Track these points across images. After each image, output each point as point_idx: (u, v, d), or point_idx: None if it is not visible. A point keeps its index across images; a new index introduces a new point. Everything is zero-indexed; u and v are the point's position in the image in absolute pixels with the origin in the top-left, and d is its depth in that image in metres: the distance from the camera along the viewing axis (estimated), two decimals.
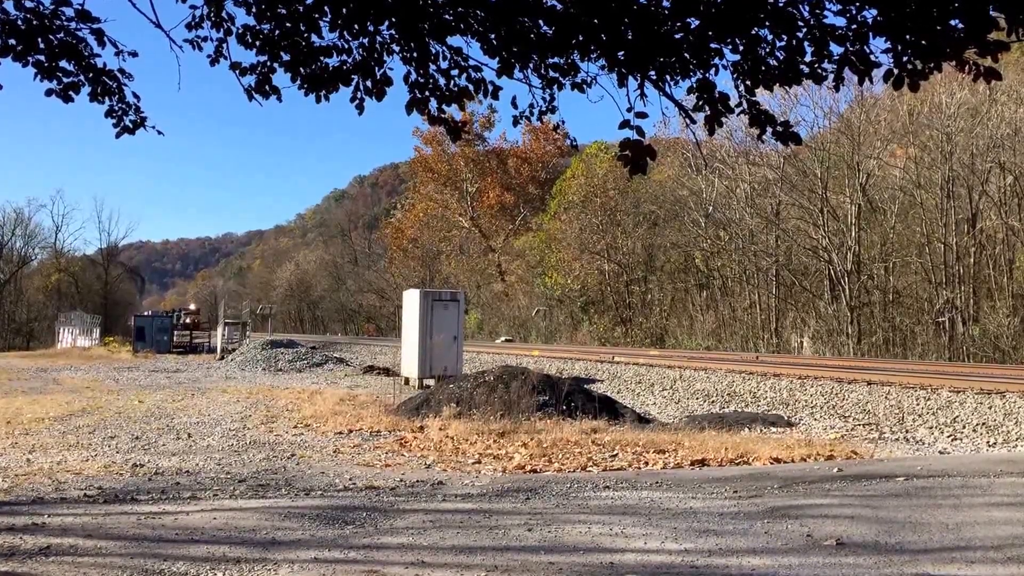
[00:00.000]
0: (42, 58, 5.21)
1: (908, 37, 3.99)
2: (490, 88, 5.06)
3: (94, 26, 5.23)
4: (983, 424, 12.71)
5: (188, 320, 57.04)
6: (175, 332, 50.66)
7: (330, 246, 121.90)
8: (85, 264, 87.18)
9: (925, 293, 35.58)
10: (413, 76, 5.06)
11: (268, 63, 5.21)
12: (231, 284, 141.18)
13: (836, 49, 4.21)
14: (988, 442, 11.71)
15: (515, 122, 5.27)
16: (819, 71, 4.28)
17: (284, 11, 5.04)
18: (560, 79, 4.92)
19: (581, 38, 4.51)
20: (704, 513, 6.60)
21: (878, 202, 39.01)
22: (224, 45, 5.37)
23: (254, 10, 5.06)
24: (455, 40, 5.01)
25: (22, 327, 76.78)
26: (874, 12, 4.06)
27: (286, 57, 5.15)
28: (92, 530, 6.11)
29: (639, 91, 4.50)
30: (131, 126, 5.63)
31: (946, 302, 33.72)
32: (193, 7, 5.29)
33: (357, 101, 5.20)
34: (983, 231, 34.67)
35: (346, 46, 5.06)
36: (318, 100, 5.19)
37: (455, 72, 5.05)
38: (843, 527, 6.00)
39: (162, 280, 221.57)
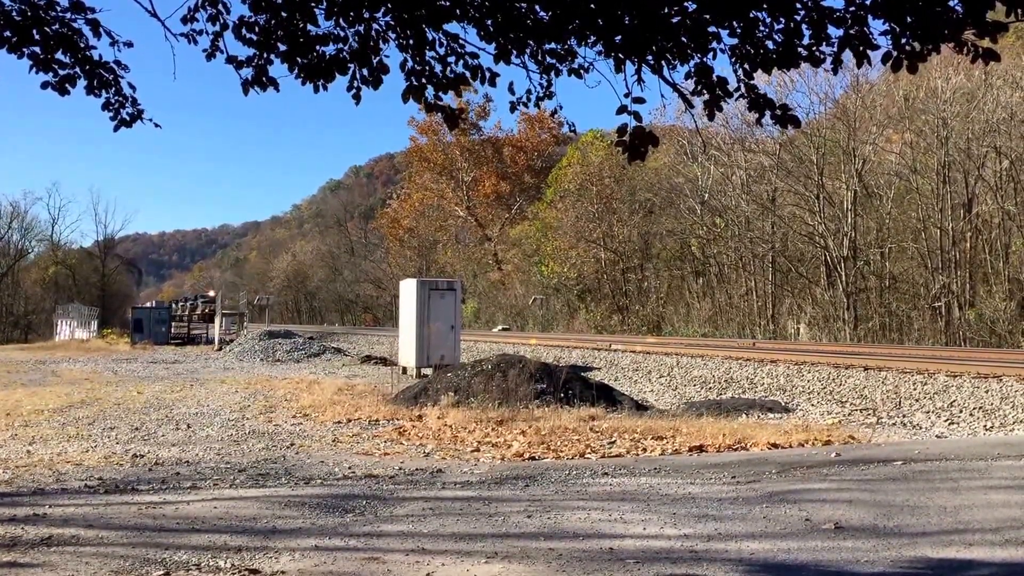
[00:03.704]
0: (37, 50, 5.17)
1: (907, 18, 3.99)
2: (487, 75, 5.04)
3: (89, 16, 5.20)
4: (980, 408, 12.75)
5: (207, 310, 52.30)
6: (174, 323, 50.49)
7: (326, 236, 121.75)
8: (82, 256, 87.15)
9: (921, 278, 35.64)
10: (410, 64, 5.04)
11: (264, 54, 5.19)
12: (228, 275, 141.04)
13: (834, 32, 4.21)
14: (985, 426, 11.75)
15: (512, 108, 5.26)
16: (817, 54, 4.27)
17: (279, 0, 5.02)
18: (557, 65, 4.90)
19: (578, 23, 4.50)
20: (703, 498, 6.63)
21: (874, 188, 39.02)
22: (220, 39, 5.35)
23: None
24: (451, 26, 4.99)
25: (20, 320, 76.82)
26: None
27: (282, 47, 5.12)
28: (93, 520, 6.12)
29: (637, 76, 4.50)
30: (128, 119, 5.60)
31: (942, 287, 33.78)
32: None
33: (354, 90, 5.19)
34: (979, 216, 34.71)
35: (342, 34, 5.04)
36: (316, 90, 5.16)
37: (452, 59, 5.03)
38: (841, 511, 6.02)
39: (159, 272, 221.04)
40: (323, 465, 8.83)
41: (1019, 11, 3.82)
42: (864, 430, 11.31)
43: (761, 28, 4.30)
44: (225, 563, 5.02)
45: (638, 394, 17.15)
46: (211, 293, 61.49)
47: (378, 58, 5.06)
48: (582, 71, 4.91)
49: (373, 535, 5.66)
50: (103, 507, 6.64)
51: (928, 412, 12.92)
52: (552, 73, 4.98)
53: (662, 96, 6.59)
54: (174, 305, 63.58)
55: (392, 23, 4.96)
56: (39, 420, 13.10)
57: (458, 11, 4.79)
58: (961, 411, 12.75)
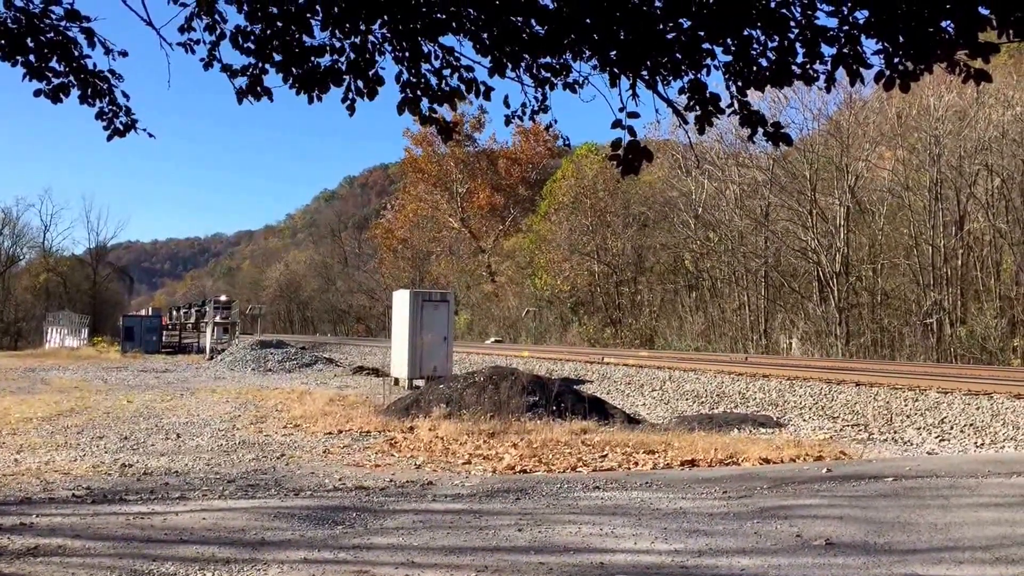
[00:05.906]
0: (31, 58, 5.17)
1: (899, 38, 4.01)
2: (482, 88, 5.06)
3: (84, 25, 5.21)
4: (971, 425, 12.77)
5: (220, 316, 47.80)
6: (165, 332, 50.28)
7: (320, 247, 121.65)
8: (74, 264, 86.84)
9: (913, 295, 35.74)
10: (405, 76, 5.05)
11: (259, 64, 5.20)
12: (220, 284, 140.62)
13: (827, 50, 4.23)
14: (976, 443, 11.76)
15: (507, 122, 5.27)
16: (810, 72, 4.30)
17: (276, 10, 5.03)
18: (552, 79, 4.92)
19: (573, 37, 4.52)
20: (694, 513, 6.61)
21: (867, 204, 39.17)
22: (216, 48, 5.35)
23: (246, 9, 5.04)
24: (447, 39, 5.01)
25: (10, 327, 76.37)
26: (866, 13, 4.09)
27: (278, 58, 5.13)
28: (80, 530, 6.08)
29: (631, 91, 4.52)
30: (122, 128, 5.60)
31: (934, 304, 33.89)
32: (184, 5, 5.26)
33: (349, 101, 5.20)
34: (970, 233, 34.85)
35: (338, 45, 5.05)
36: (311, 100, 5.17)
37: (447, 72, 5.04)
38: (832, 527, 6.02)
39: (151, 280, 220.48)
40: (313, 476, 8.79)
41: (1011, 32, 3.84)
42: (855, 446, 11.31)
43: (755, 46, 4.33)
44: (213, 575, 4.99)
45: (630, 408, 17.12)
46: (223, 297, 59.54)
47: (373, 70, 5.07)
48: (577, 85, 4.93)
49: (363, 548, 5.64)
50: (90, 517, 6.59)
51: (919, 428, 12.94)
52: (547, 87, 5.00)
53: (656, 111, 6.64)
54: (175, 312, 63.07)
55: (388, 35, 4.98)
56: (27, 428, 13.01)
57: (454, 24, 4.81)
58: (952, 428, 12.77)
